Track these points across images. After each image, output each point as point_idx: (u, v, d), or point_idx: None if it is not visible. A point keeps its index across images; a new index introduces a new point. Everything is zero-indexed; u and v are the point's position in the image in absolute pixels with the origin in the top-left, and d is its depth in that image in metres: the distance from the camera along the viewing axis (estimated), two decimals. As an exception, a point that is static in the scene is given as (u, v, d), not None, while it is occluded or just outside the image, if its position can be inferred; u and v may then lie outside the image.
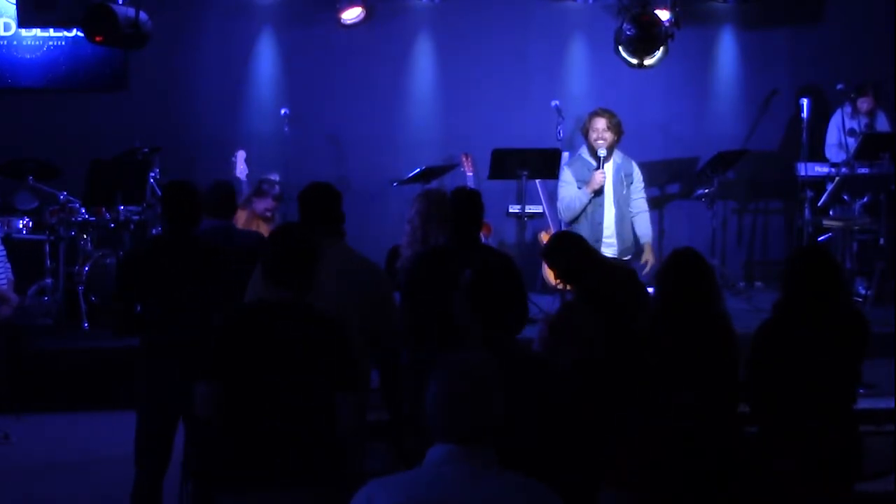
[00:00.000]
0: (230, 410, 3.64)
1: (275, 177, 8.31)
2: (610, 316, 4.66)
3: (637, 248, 7.78)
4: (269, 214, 8.02)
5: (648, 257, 7.55)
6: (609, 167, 7.47)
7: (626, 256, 7.44)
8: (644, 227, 7.61)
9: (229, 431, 3.65)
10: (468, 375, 2.74)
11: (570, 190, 7.44)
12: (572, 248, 5.05)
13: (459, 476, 2.66)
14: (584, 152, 7.55)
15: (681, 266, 4.42)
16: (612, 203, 7.42)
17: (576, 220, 7.46)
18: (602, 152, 7.38)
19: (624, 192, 7.46)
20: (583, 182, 7.45)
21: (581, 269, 4.94)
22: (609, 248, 7.35)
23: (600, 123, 7.44)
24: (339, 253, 4.62)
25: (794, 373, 4.20)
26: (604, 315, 4.72)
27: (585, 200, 7.34)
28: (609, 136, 7.40)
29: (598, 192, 7.45)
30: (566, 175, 7.52)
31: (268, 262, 3.79)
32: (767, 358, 4.27)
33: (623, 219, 7.44)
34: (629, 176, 7.56)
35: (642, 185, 7.75)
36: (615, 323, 4.62)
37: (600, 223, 7.31)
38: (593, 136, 7.45)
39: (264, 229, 7.97)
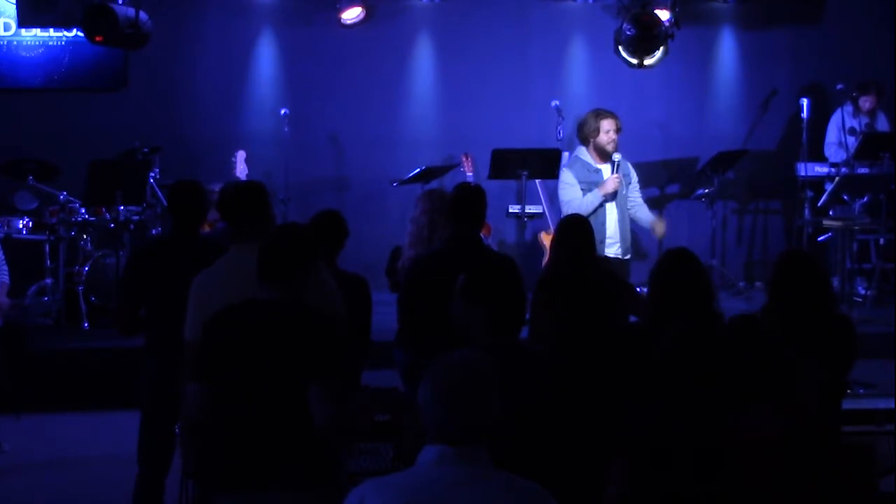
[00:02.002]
0: (221, 410, 3.64)
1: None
2: (568, 310, 4.70)
3: (636, 248, 7.76)
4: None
5: (659, 227, 7.51)
6: (608, 167, 7.42)
7: (626, 255, 7.41)
8: (646, 213, 7.55)
9: (221, 431, 3.64)
10: (462, 375, 2.72)
11: (574, 192, 7.33)
12: (583, 233, 5.06)
13: (452, 477, 2.65)
14: (584, 153, 7.46)
15: (673, 266, 4.41)
16: (615, 204, 7.38)
17: None
18: (617, 156, 7.29)
19: (623, 192, 7.43)
20: (586, 184, 7.37)
21: (571, 256, 4.95)
22: (611, 248, 7.30)
23: (611, 125, 7.33)
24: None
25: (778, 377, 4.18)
26: (559, 307, 4.77)
27: (598, 203, 7.27)
28: (616, 137, 7.33)
29: (613, 196, 7.35)
30: (568, 177, 7.40)
31: (259, 261, 3.78)
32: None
33: (623, 219, 7.39)
34: (627, 176, 7.53)
35: (638, 184, 7.72)
36: (576, 319, 4.66)
37: (603, 223, 7.24)
38: (604, 138, 7.31)
39: None
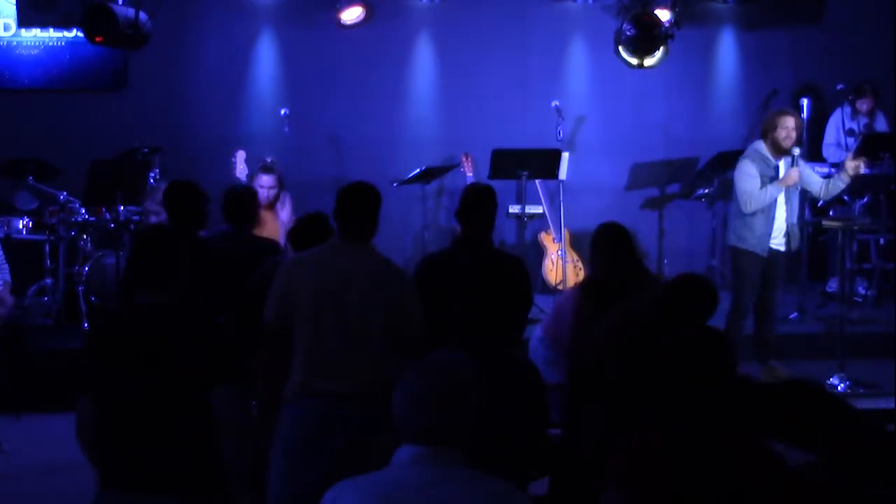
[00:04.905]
0: (106, 415, 3.63)
1: (269, 159, 8.33)
2: (609, 313, 4.68)
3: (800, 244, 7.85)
4: (270, 194, 7.98)
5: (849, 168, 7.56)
6: (782, 164, 7.47)
7: (792, 248, 7.51)
8: (834, 182, 7.59)
9: (112, 433, 3.63)
10: (437, 377, 2.73)
11: (755, 183, 7.37)
12: (618, 242, 5.08)
13: (424, 477, 2.67)
14: (762, 147, 7.49)
15: (686, 293, 4.38)
16: (785, 201, 7.42)
17: (753, 213, 7.44)
18: (796, 150, 7.37)
19: (796, 190, 7.48)
20: (766, 178, 7.42)
21: (609, 264, 4.98)
22: (775, 241, 7.41)
23: (791, 122, 7.41)
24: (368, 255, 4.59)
25: None
26: (601, 308, 4.77)
27: (777, 195, 7.36)
28: (795, 135, 7.41)
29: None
30: (750, 168, 7.38)
31: (132, 266, 3.76)
32: None
33: (793, 215, 7.48)
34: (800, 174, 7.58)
35: (811, 170, 7.71)
36: (616, 322, 4.63)
37: (773, 218, 7.36)
38: (782, 133, 7.38)
39: (269, 218, 7.95)
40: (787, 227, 7.42)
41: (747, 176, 7.40)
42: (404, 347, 4.38)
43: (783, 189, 7.32)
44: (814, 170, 9.30)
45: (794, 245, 7.51)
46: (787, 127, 7.33)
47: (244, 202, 5.89)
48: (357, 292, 4.31)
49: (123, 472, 3.57)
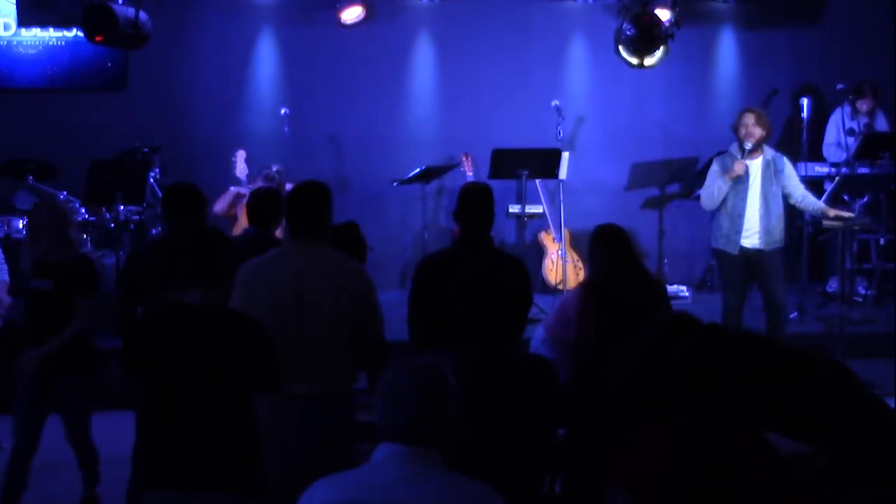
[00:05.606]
0: (148, 411, 3.62)
1: (274, 167, 8.34)
2: (613, 316, 4.68)
3: (785, 242, 7.80)
4: None
5: (836, 213, 7.77)
6: (758, 162, 7.48)
7: (769, 247, 7.48)
8: (812, 203, 7.71)
9: (150, 431, 3.64)
10: (416, 378, 2.77)
11: (710, 179, 7.55)
12: (612, 243, 5.09)
13: (402, 475, 2.71)
14: (734, 147, 7.57)
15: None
16: (758, 197, 7.44)
17: (717, 209, 7.49)
18: (747, 146, 7.43)
19: (773, 188, 7.49)
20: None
21: (607, 266, 4.98)
22: (748, 239, 7.44)
23: (750, 119, 7.48)
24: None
25: None
26: (605, 311, 4.75)
27: (725, 189, 7.40)
28: (757, 130, 7.44)
29: (741, 184, 7.44)
30: (713, 166, 7.61)
31: (178, 264, 3.72)
32: None
33: (769, 213, 7.47)
34: (780, 173, 7.58)
35: (795, 175, 7.72)
36: (618, 323, 4.63)
37: (741, 216, 7.39)
38: (742, 130, 7.49)
39: None
40: (763, 225, 7.43)
41: (710, 172, 7.59)
42: (366, 345, 4.39)
43: (730, 183, 7.38)
44: (814, 170, 9.33)
45: (769, 245, 7.48)
46: (746, 124, 7.45)
47: (268, 205, 5.90)
48: (314, 293, 4.31)
49: (169, 470, 3.58)
